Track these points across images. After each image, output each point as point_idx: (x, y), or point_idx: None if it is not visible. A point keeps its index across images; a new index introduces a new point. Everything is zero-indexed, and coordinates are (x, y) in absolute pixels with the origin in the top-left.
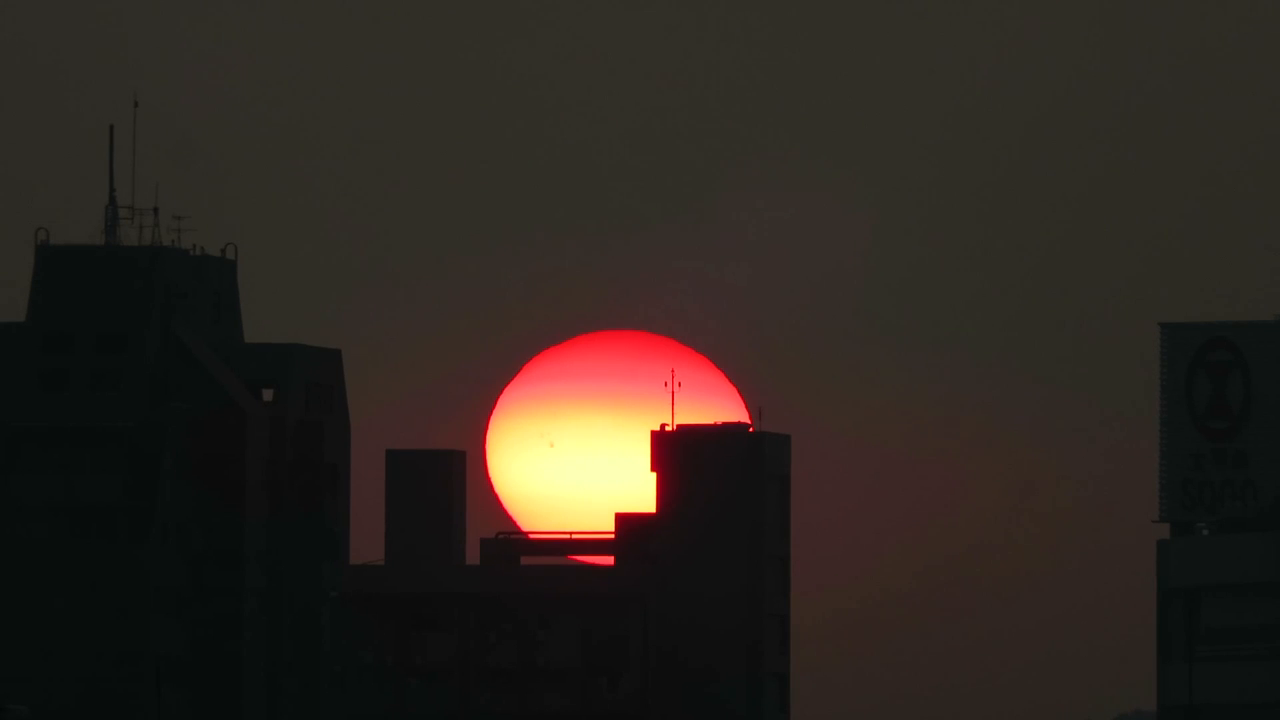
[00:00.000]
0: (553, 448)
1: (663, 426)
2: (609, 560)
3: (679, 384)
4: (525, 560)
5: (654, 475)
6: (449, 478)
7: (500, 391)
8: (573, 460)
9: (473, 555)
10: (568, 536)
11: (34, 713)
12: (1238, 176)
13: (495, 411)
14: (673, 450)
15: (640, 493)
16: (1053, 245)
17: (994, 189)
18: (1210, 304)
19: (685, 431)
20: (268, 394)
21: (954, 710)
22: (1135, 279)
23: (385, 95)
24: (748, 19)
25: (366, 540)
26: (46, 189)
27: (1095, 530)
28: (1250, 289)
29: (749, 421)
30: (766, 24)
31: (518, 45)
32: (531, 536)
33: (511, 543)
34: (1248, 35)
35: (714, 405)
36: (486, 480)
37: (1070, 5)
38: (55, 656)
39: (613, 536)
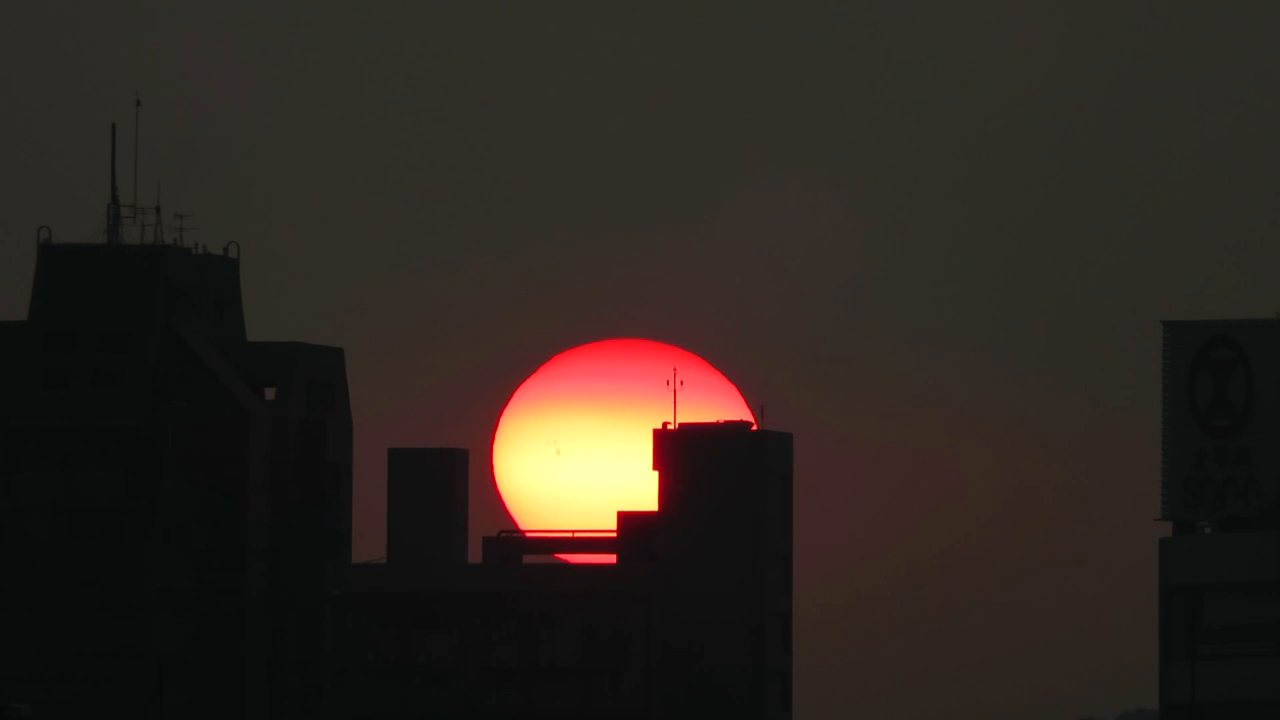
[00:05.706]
0: (559, 455)
1: (665, 425)
2: (611, 559)
3: (681, 383)
4: (527, 559)
5: (656, 474)
6: (451, 476)
7: (509, 393)
8: (575, 460)
9: (475, 554)
10: (570, 535)
11: (36, 712)
12: (1240, 174)
13: (505, 412)
14: (675, 449)
15: (643, 491)
16: (1054, 244)
17: (994, 188)
18: (1212, 302)
19: (687, 430)
20: (270, 392)
21: (955, 708)
22: (1137, 277)
23: (388, 94)
24: (748, 21)
25: (369, 539)
26: (48, 188)
27: (1097, 528)
28: (1252, 287)
29: (751, 420)
30: (767, 27)
31: (522, 46)
32: (533, 535)
33: (514, 541)
34: (1251, 33)
35: (716, 404)
36: (489, 479)
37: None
38: (57, 656)
39: (615, 535)
